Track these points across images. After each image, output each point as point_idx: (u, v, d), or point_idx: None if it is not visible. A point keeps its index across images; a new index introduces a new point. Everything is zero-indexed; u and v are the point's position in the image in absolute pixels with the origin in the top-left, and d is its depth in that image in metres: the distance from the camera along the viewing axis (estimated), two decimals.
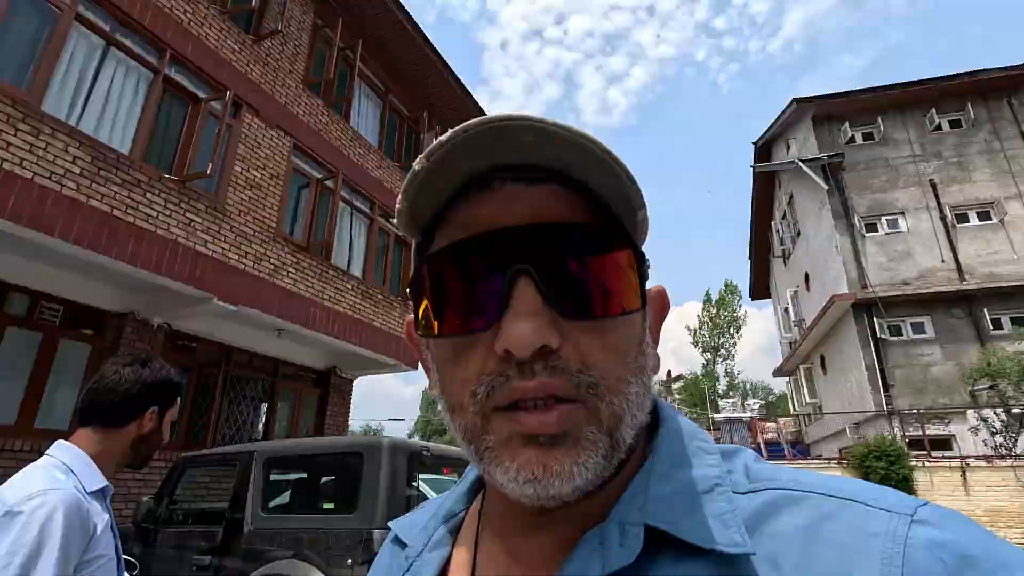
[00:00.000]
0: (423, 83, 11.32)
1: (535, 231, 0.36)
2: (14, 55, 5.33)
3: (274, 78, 8.11)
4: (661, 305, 0.46)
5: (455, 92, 11.58)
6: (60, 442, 1.22)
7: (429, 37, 10.44)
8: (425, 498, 3.88)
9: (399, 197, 0.39)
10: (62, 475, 1.13)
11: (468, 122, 0.34)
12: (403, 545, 0.50)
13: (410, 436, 50.65)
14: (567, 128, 0.34)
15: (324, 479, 4.68)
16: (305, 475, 4.73)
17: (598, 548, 0.36)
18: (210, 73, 7.05)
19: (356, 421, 48.65)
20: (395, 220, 0.42)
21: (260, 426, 8.90)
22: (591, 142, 0.35)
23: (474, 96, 11.91)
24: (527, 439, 0.35)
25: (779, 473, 0.39)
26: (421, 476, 4.12)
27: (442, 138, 0.35)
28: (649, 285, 0.43)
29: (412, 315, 0.43)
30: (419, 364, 0.45)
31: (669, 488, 0.38)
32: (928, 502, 0.34)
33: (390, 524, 0.53)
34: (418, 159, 0.36)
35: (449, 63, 11.03)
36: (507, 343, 0.34)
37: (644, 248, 0.41)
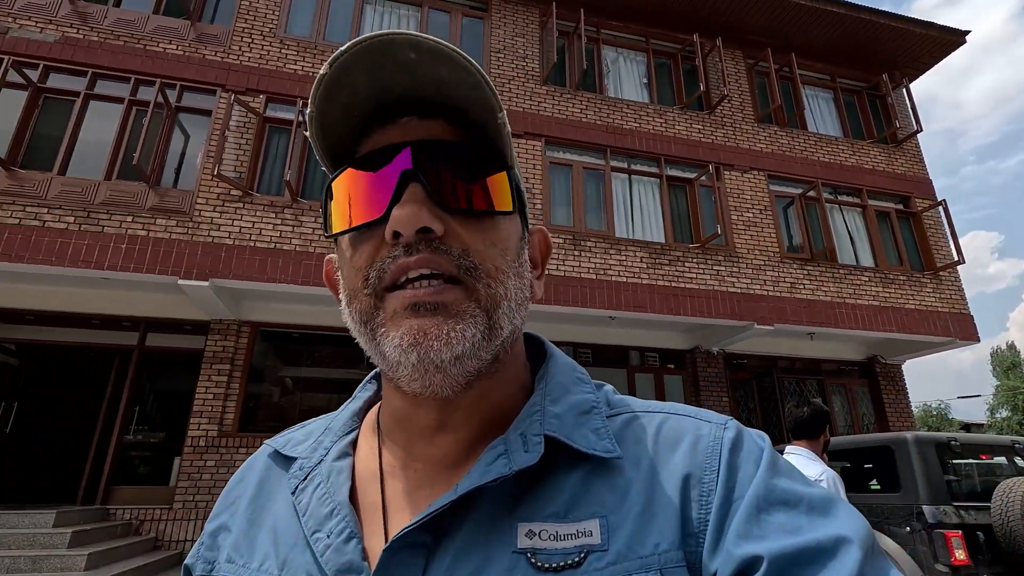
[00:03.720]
0: (871, 48, 10.65)
1: (422, 146, 0.44)
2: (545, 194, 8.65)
3: (734, 132, 9.62)
4: (545, 243, 0.56)
5: (915, 34, 10.35)
6: (792, 445, 2.67)
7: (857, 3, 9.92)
8: (972, 478, 4.80)
9: (308, 103, 0.44)
10: (818, 462, 2.52)
11: (360, 37, 0.41)
12: (287, 460, 0.52)
13: (992, 411, 40.24)
14: (436, 40, 0.41)
15: (867, 466, 5.53)
16: (848, 464, 5.71)
17: (504, 453, 0.43)
18: (691, 157, 9.15)
19: (914, 405, 42.39)
20: (306, 132, 0.48)
21: None
22: (455, 52, 0.41)
23: (937, 24, 10.26)
24: (411, 310, 0.41)
25: (630, 401, 0.50)
26: (960, 461, 4.81)
27: (342, 48, 0.41)
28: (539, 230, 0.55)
29: (332, 256, 0.52)
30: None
31: (561, 408, 0.47)
32: (734, 419, 0.48)
33: (267, 442, 0.57)
34: (323, 66, 0.42)
35: (887, 11, 10.04)
36: (394, 224, 0.41)
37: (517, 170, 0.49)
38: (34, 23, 7.08)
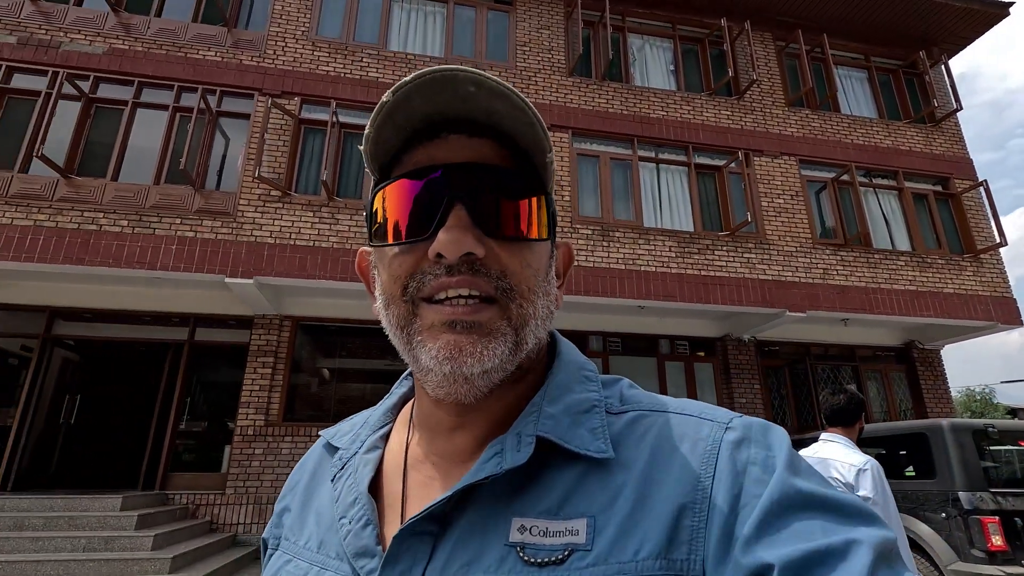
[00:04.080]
0: (907, 25, 10.33)
1: (470, 168, 0.46)
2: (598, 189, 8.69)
3: (763, 117, 9.49)
4: (568, 256, 0.58)
5: (955, 8, 10.00)
6: (827, 432, 2.68)
7: None
8: (1012, 464, 4.72)
9: (368, 124, 0.47)
10: (855, 450, 2.53)
11: (425, 70, 0.43)
12: (334, 449, 0.58)
13: None
14: (498, 82, 0.43)
15: (901, 452, 5.51)
16: (884, 451, 5.70)
17: (500, 452, 0.45)
18: (719, 144, 9.08)
19: (956, 390, 41.08)
20: (361, 146, 0.49)
21: None
22: (515, 95, 0.44)
23: None
24: (448, 325, 0.44)
25: (642, 398, 0.51)
26: (998, 448, 4.73)
27: (406, 79, 0.44)
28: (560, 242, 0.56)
29: (367, 248, 0.55)
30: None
31: (558, 408, 0.48)
32: (743, 416, 0.46)
33: (320, 433, 0.62)
34: (386, 94, 0.45)
35: None
36: (439, 247, 0.43)
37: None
38: (83, 36, 7.45)
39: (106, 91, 7.41)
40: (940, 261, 9.15)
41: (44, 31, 7.37)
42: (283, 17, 8.22)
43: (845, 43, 10.46)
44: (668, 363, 9.08)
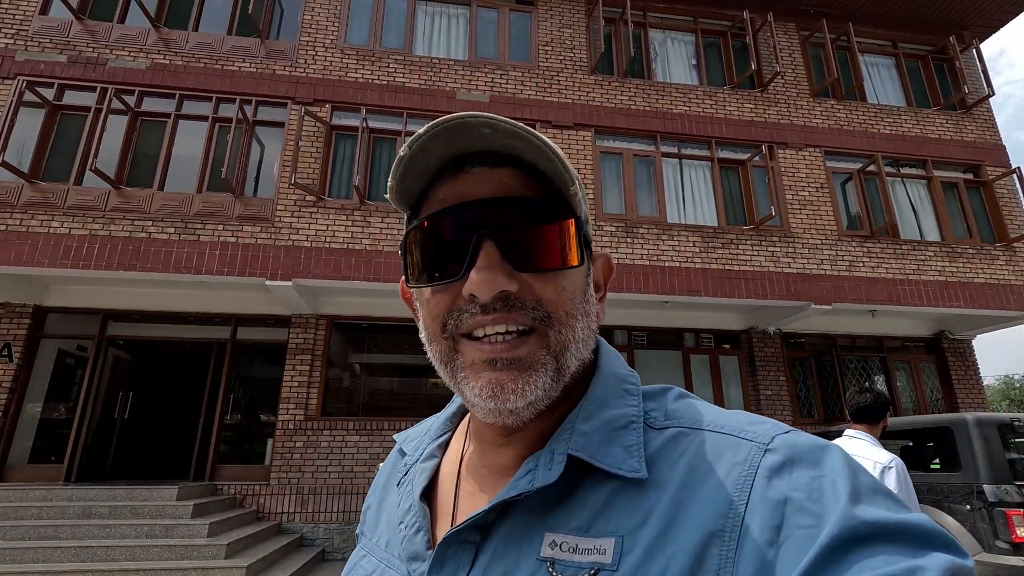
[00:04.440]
0: (937, 10, 10.14)
1: (496, 203, 0.46)
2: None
3: (787, 109, 9.46)
4: (607, 267, 0.57)
5: None
6: (852, 429, 2.77)
7: None
8: None
9: (390, 176, 0.48)
10: (880, 447, 2.63)
11: (439, 119, 0.44)
12: (404, 454, 0.62)
13: None
14: (512, 124, 0.44)
15: (928, 445, 5.56)
16: (911, 443, 5.74)
17: (533, 469, 0.46)
18: (743, 137, 9.10)
19: (994, 378, 39.98)
20: (387, 195, 0.51)
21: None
22: (530, 134, 0.44)
23: None
24: (489, 363, 0.45)
25: (687, 412, 0.48)
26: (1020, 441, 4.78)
27: (420, 131, 0.45)
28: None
29: (403, 276, 0.53)
30: None
31: (591, 425, 0.47)
32: (791, 432, 0.42)
33: (395, 437, 0.66)
34: (403, 147, 0.46)
35: None
36: (471, 289, 0.44)
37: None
38: (127, 53, 7.85)
39: (150, 104, 7.80)
40: (971, 251, 9.04)
41: (91, 49, 7.78)
42: (312, 27, 8.50)
43: (871, 30, 10.32)
44: (693, 356, 9.19)
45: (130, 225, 7.04)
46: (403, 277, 0.54)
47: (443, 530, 0.51)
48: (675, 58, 9.76)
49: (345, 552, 7.12)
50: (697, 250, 8.28)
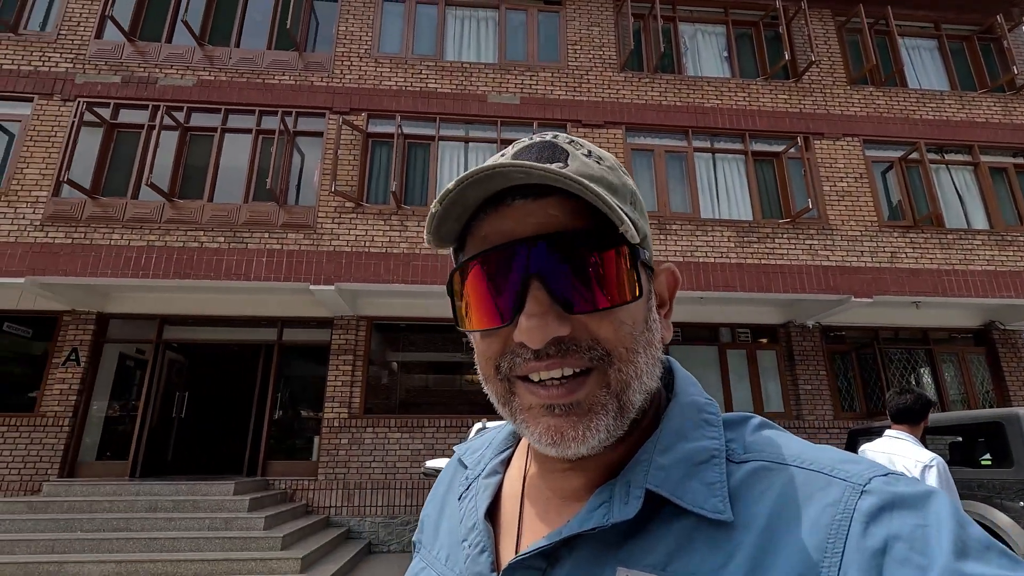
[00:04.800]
0: None
1: (542, 241, 0.43)
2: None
3: (824, 98, 9.27)
4: (673, 281, 0.53)
5: None
6: (893, 429, 2.78)
7: None
8: None
9: (425, 230, 0.47)
10: (922, 447, 2.65)
11: (471, 170, 0.43)
12: (465, 466, 0.61)
13: None
14: (546, 171, 0.41)
15: (979, 440, 5.41)
16: (960, 439, 5.59)
17: (608, 501, 0.44)
18: (778, 129, 8.97)
19: None
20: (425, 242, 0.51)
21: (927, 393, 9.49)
22: (568, 179, 0.41)
23: None
24: (546, 408, 0.43)
25: (768, 445, 0.45)
26: None
27: (449, 185, 0.43)
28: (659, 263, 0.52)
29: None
30: None
31: (670, 458, 0.45)
32: (888, 472, 0.39)
33: (455, 448, 0.65)
34: (434, 203, 0.45)
35: None
36: (521, 337, 0.43)
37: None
38: (175, 71, 8.26)
39: (198, 120, 8.20)
40: (1022, 238, 8.71)
41: (143, 69, 8.22)
42: (347, 38, 8.76)
43: (911, 12, 10.00)
44: (730, 351, 9.15)
45: (183, 235, 7.44)
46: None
47: (507, 551, 0.50)
48: (706, 51, 9.67)
49: (390, 545, 7.40)
50: (732, 245, 8.24)
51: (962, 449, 5.76)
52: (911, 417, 2.76)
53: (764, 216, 8.68)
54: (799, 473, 0.42)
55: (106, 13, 8.16)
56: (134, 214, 7.51)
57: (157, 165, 7.49)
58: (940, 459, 2.55)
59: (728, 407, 8.66)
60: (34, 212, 7.40)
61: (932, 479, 2.48)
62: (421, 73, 8.67)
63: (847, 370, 9.34)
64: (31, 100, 7.94)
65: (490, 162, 0.44)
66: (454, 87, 8.63)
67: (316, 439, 8.06)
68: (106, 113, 8.00)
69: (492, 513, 0.54)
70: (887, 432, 2.86)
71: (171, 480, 7.09)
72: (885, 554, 0.35)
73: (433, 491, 0.65)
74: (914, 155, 9.01)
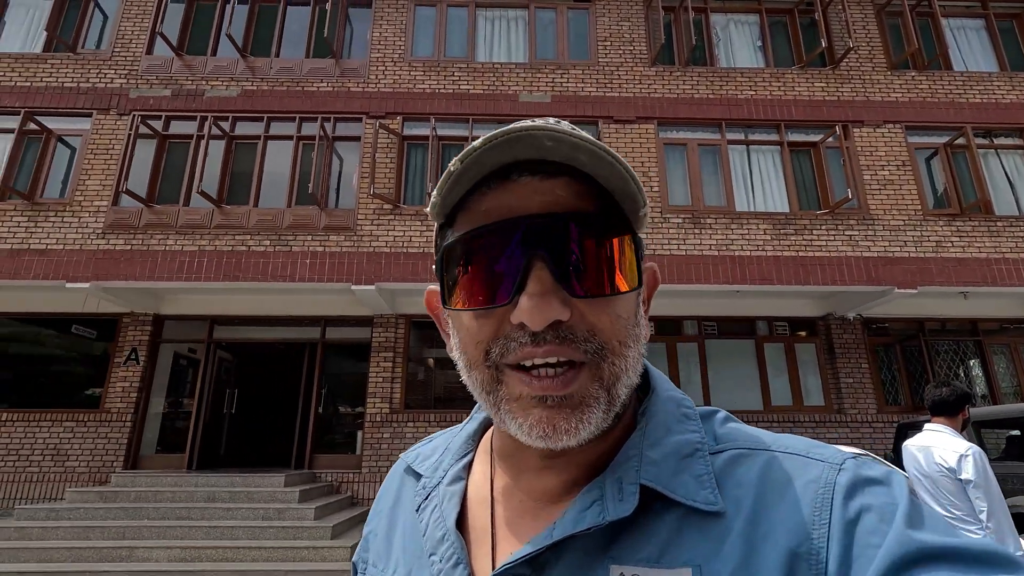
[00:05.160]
0: None
1: (549, 220, 0.42)
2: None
3: (863, 85, 9.05)
4: (653, 282, 0.52)
5: None
6: (932, 422, 2.85)
7: None
8: None
9: (433, 192, 0.45)
10: (960, 438, 2.72)
11: (497, 131, 0.40)
12: (416, 475, 0.57)
13: None
14: (581, 136, 0.40)
15: None
16: (1019, 432, 5.43)
17: (599, 499, 0.43)
18: (815, 119, 8.81)
19: None
20: (427, 210, 0.47)
21: (977, 385, 9.20)
22: (602, 149, 0.41)
23: None
24: (538, 400, 0.42)
25: (739, 434, 0.47)
26: None
27: (475, 143, 0.41)
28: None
29: (434, 287, 0.50)
30: None
31: (660, 452, 0.45)
32: (860, 455, 0.43)
33: (402, 456, 0.61)
34: (453, 161, 0.42)
35: None
36: (522, 317, 0.41)
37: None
38: (220, 82, 8.64)
39: (242, 128, 8.57)
40: None
41: (190, 82, 8.63)
42: (381, 43, 8.99)
43: None
44: (767, 345, 9.05)
45: (232, 240, 7.81)
46: (434, 288, 0.52)
47: (481, 563, 0.48)
48: (739, 41, 9.55)
49: None
50: (768, 238, 8.15)
51: (1021, 443, 5.63)
52: (948, 409, 2.83)
53: (801, 207, 8.55)
54: (777, 456, 0.44)
55: (156, 30, 8.59)
56: (186, 220, 7.92)
57: (206, 173, 7.87)
58: (977, 449, 2.62)
59: (766, 401, 8.60)
60: (96, 221, 7.88)
61: (969, 468, 2.55)
62: (453, 75, 8.84)
63: (891, 363, 9.12)
64: (90, 115, 8.44)
65: (516, 126, 0.41)
66: (486, 88, 8.77)
67: (359, 433, 8.35)
68: (158, 125, 8.44)
69: (460, 522, 0.51)
70: (926, 426, 2.93)
71: (225, 472, 7.49)
72: (857, 523, 0.38)
73: (376, 506, 0.62)
74: (960, 140, 8.72)
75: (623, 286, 0.44)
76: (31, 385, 8.30)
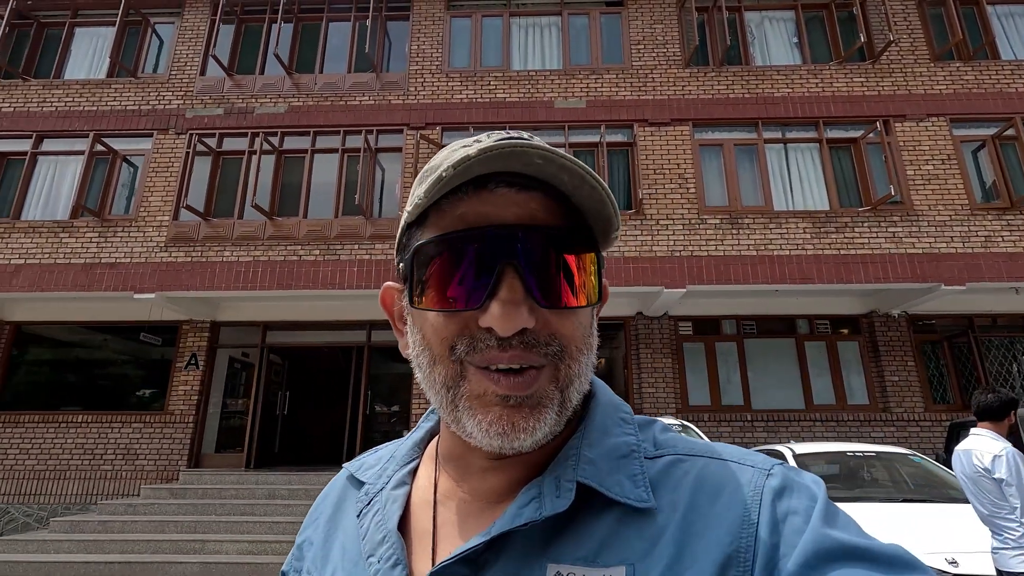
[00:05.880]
0: None
1: (524, 231, 0.44)
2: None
3: (904, 78, 8.89)
4: (605, 295, 0.53)
5: None
6: (978, 427, 2.98)
7: None
8: None
9: (420, 194, 0.45)
10: (1001, 441, 2.86)
11: (493, 143, 0.42)
12: (359, 483, 0.58)
13: None
14: (569, 159, 0.43)
15: None
16: None
17: (537, 497, 0.45)
18: (854, 115, 8.70)
19: None
20: (407, 209, 0.48)
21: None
22: (587, 172, 0.43)
23: None
24: (501, 398, 0.43)
25: (677, 441, 0.50)
26: None
27: (469, 151, 0.42)
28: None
29: (391, 284, 0.54)
30: None
31: (596, 452, 0.47)
32: (783, 463, 0.46)
33: (345, 465, 0.62)
34: (445, 168, 0.43)
35: None
36: (492, 322, 0.43)
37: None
38: (269, 100, 9.08)
39: (290, 143, 8.99)
40: None
41: (241, 100, 9.09)
42: (419, 56, 9.29)
43: None
44: (808, 343, 8.98)
45: (284, 250, 8.21)
46: (387, 284, 0.56)
47: (420, 563, 0.48)
48: (774, 39, 9.49)
49: None
50: (808, 236, 8.11)
51: None
52: (993, 415, 2.99)
53: (842, 205, 8.47)
54: (711, 462, 0.47)
55: (209, 52, 9.08)
56: (241, 232, 8.37)
57: (258, 187, 8.30)
58: (1012, 450, 2.80)
59: (808, 400, 8.55)
60: (159, 235, 8.40)
61: (1002, 467, 2.75)
62: (490, 84, 9.06)
63: (939, 360, 8.94)
64: (151, 135, 9.00)
65: (508, 141, 0.43)
66: (522, 95, 8.96)
67: (405, 433, 8.65)
68: (212, 142, 8.92)
69: (402, 526, 0.51)
70: (972, 430, 3.10)
71: (282, 471, 7.90)
72: (784, 523, 0.41)
73: (312, 514, 0.62)
74: (1009, 131, 8.48)
75: (586, 300, 0.46)
76: (102, 389, 8.91)
